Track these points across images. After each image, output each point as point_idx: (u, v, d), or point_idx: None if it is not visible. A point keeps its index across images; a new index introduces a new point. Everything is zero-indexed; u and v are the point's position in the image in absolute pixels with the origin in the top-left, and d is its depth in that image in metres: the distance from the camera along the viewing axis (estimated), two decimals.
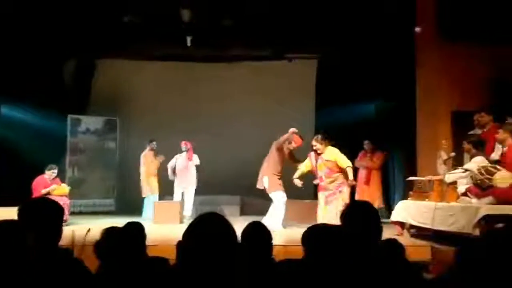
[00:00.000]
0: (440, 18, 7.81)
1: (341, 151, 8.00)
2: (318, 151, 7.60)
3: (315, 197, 8.17)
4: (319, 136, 7.63)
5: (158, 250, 4.01)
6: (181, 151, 9.99)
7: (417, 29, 8.15)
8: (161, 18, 10.01)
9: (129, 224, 3.12)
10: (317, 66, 12.29)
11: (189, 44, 10.45)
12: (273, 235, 2.83)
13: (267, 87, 12.15)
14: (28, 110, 10.65)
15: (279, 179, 8.13)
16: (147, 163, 10.00)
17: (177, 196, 9.82)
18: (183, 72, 12.26)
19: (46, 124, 11.01)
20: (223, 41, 10.88)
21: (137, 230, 2.94)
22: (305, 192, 9.09)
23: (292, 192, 9.05)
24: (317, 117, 12.02)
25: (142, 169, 9.98)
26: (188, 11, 9.58)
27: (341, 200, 7.34)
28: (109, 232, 2.89)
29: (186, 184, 9.84)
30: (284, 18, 9.98)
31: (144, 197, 9.99)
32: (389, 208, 9.05)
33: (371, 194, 9.19)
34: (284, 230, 7.77)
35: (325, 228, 2.29)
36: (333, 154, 7.52)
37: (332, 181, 7.51)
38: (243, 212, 11.48)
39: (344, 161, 7.43)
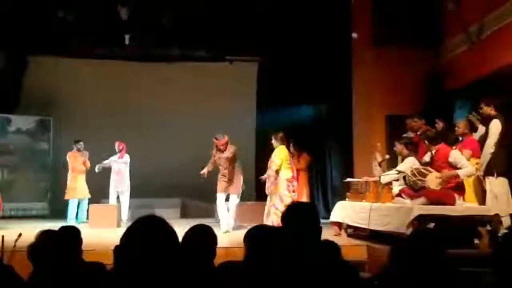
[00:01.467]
0: (375, 23, 8.08)
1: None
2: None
3: (260, 199, 8.24)
4: (279, 135, 7.72)
5: (95, 255, 3.89)
6: (116, 153, 9.74)
7: (354, 35, 8.39)
8: (98, 15, 9.75)
9: (64, 228, 3.00)
10: (257, 69, 12.37)
11: (127, 42, 10.24)
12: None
13: (208, 88, 12.08)
14: None
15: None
16: (72, 164, 9.66)
17: (112, 199, 9.57)
18: (120, 72, 11.96)
19: None
20: (162, 40, 10.75)
21: (72, 234, 2.83)
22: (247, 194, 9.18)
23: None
24: (257, 119, 12.10)
25: (69, 171, 9.63)
26: (126, 9, 9.38)
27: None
28: (44, 235, 2.76)
29: (121, 188, 9.61)
30: (225, 20, 10.00)
31: (68, 200, 9.63)
32: (328, 209, 9.23)
33: (298, 194, 9.37)
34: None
35: (264, 228, 2.30)
36: (274, 153, 7.63)
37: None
38: (184, 215, 11.37)
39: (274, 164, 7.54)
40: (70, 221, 9.02)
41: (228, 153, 7.93)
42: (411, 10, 7.93)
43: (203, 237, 2.64)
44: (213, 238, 2.70)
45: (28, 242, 4.30)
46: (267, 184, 7.59)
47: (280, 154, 7.54)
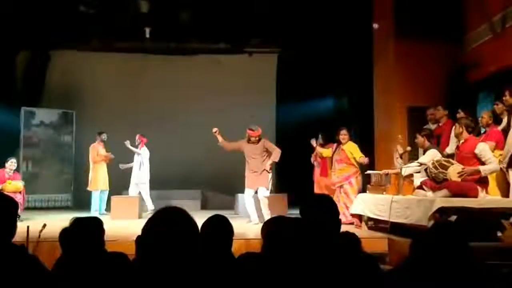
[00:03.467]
0: (397, 15, 7.98)
1: (300, 145, 8.09)
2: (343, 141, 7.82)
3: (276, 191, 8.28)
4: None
5: (117, 246, 3.95)
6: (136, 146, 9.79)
7: (375, 26, 8.30)
8: (119, 9, 9.83)
9: (87, 218, 3.04)
10: (277, 61, 12.34)
11: (147, 36, 10.31)
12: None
13: (227, 80, 12.13)
14: None
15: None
16: (94, 155, 9.76)
17: (132, 190, 9.65)
18: (140, 65, 12.08)
19: None
20: (182, 33, 10.78)
21: (96, 225, 2.88)
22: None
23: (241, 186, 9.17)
24: (277, 112, 12.08)
25: (90, 162, 9.72)
26: (146, 2, 9.43)
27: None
28: (78, 222, 2.82)
29: (139, 179, 9.67)
30: (245, 12, 9.98)
31: (91, 191, 9.74)
32: None
33: (329, 185, 9.35)
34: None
35: (283, 220, 2.31)
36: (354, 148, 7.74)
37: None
38: (204, 206, 11.46)
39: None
40: (94, 212, 9.16)
41: (260, 146, 7.89)
42: (433, 0, 7.82)
43: (220, 227, 2.67)
44: (229, 228, 2.72)
45: (52, 233, 4.41)
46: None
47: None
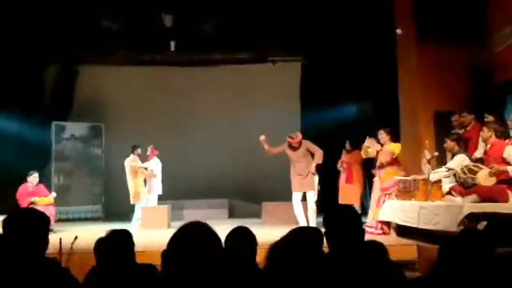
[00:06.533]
0: (418, 19, 7.91)
1: (326, 151, 8.07)
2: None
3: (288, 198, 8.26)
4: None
5: (146, 256, 4.02)
6: (160, 156, 9.81)
7: (398, 31, 8.24)
8: (143, 23, 10.04)
9: (116, 231, 3.11)
10: (301, 69, 12.38)
11: (173, 49, 10.47)
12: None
13: (252, 90, 12.24)
14: (10, 116, 10.56)
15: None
16: (133, 169, 9.78)
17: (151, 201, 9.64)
18: (165, 77, 12.28)
19: (29, 132, 10.95)
20: (205, 45, 10.92)
21: (126, 237, 2.94)
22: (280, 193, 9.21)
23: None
24: (302, 119, 12.09)
25: (128, 176, 9.69)
26: (171, 16, 9.59)
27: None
28: (113, 234, 2.90)
29: (149, 189, 9.64)
30: (267, 21, 10.06)
31: (134, 204, 9.80)
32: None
33: (354, 193, 9.29)
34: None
35: (307, 230, 2.33)
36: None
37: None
38: (231, 215, 11.53)
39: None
40: (135, 222, 9.10)
41: (303, 149, 7.95)
42: (456, 2, 7.72)
43: (243, 239, 2.71)
44: (252, 239, 2.76)
45: (83, 245, 4.52)
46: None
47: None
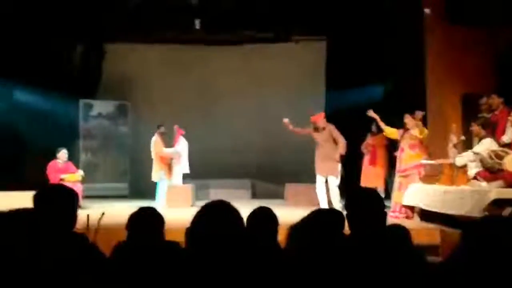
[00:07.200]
0: (448, 0, 7.73)
1: (351, 133, 8.04)
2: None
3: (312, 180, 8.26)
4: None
5: (169, 235, 4.09)
6: (185, 136, 9.78)
7: (426, 11, 8.05)
8: (169, 1, 10.07)
9: (150, 208, 3.12)
10: (326, 48, 12.23)
11: (197, 27, 10.46)
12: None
13: (276, 69, 12.15)
14: (39, 94, 10.76)
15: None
16: (157, 147, 9.86)
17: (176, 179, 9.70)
18: (190, 55, 12.29)
19: (57, 109, 11.15)
20: (229, 24, 10.87)
21: (159, 215, 2.97)
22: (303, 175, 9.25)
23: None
24: (327, 99, 11.99)
25: (153, 154, 9.77)
26: None
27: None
28: (144, 210, 2.92)
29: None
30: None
31: (157, 182, 9.92)
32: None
33: (377, 175, 9.23)
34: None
35: (328, 212, 2.35)
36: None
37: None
38: (254, 196, 11.60)
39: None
40: (160, 201, 9.13)
41: (327, 133, 7.96)
42: None
43: (265, 219, 2.74)
44: (274, 219, 2.80)
45: (110, 221, 4.62)
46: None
47: None
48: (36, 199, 2.32)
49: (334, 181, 7.93)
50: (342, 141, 7.92)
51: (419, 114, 7.67)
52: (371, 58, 10.40)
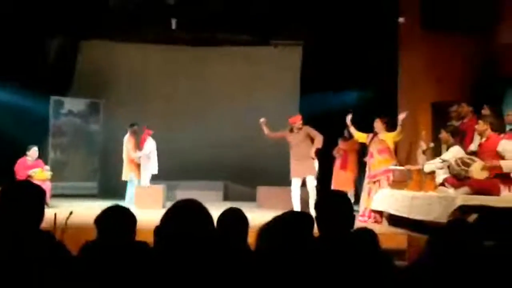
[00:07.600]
0: (423, 8, 7.87)
1: (324, 137, 8.11)
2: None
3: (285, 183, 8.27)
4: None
5: (138, 235, 4.05)
6: (156, 136, 9.68)
7: (401, 19, 8.20)
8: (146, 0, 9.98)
9: (122, 207, 3.07)
10: (302, 53, 12.34)
11: (174, 27, 10.40)
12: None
13: (252, 72, 12.20)
14: (8, 90, 10.51)
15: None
16: (129, 149, 9.73)
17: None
18: (167, 55, 12.22)
19: (27, 105, 10.89)
20: (207, 25, 10.86)
21: (131, 214, 2.92)
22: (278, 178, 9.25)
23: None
24: (301, 103, 12.07)
25: (125, 154, 9.66)
26: None
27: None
28: (113, 209, 2.86)
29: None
30: (270, 3, 9.99)
31: (127, 181, 9.80)
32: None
33: (347, 179, 9.33)
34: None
35: (298, 214, 2.36)
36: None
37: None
38: (226, 198, 11.57)
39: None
40: (129, 201, 8.96)
41: (303, 134, 7.96)
42: None
43: (235, 219, 2.74)
44: (244, 220, 2.80)
45: (78, 220, 4.55)
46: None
47: None
48: (1, 195, 2.26)
49: (312, 181, 7.89)
50: (319, 136, 7.92)
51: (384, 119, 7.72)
52: (347, 65, 10.53)
